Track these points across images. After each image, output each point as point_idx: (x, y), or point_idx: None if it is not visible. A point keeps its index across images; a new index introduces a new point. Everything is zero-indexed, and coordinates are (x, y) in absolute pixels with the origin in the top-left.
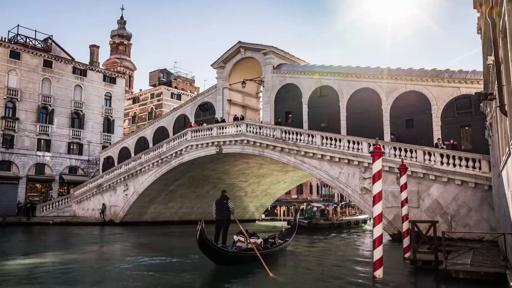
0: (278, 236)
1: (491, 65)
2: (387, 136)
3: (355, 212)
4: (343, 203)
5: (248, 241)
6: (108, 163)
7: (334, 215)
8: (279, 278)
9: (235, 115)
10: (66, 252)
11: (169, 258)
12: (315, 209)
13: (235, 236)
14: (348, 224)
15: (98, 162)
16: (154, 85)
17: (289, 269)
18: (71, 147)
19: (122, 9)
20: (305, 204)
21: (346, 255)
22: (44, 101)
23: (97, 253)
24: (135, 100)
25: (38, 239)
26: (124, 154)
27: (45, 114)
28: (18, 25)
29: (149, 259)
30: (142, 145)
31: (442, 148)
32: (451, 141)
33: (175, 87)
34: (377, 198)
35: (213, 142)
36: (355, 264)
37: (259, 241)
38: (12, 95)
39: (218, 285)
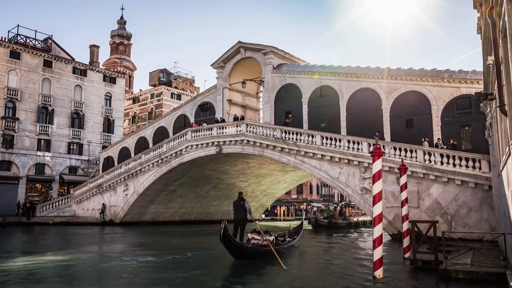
0: (287, 234)
1: (491, 65)
2: (387, 136)
3: (355, 212)
4: (343, 203)
5: (264, 238)
6: (108, 163)
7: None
8: (291, 270)
9: (235, 115)
10: (66, 251)
11: (176, 255)
12: (315, 209)
13: (249, 234)
14: (364, 223)
15: (98, 162)
16: (154, 85)
17: (300, 263)
18: (71, 147)
19: (122, 9)
20: (305, 204)
21: (354, 253)
22: (44, 101)
23: (98, 252)
24: (135, 100)
25: (38, 239)
26: (124, 154)
27: (45, 114)
28: (18, 25)
29: (156, 257)
30: (142, 145)
31: (442, 148)
32: (451, 141)
33: (175, 87)
34: (377, 198)
35: (213, 142)
36: (360, 263)
37: (271, 238)
38: (12, 95)
39: (238, 277)
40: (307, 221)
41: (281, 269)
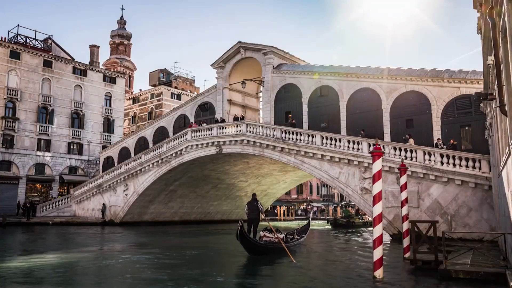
0: (296, 233)
1: (491, 65)
2: (387, 136)
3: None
4: (343, 203)
5: (276, 235)
6: (108, 163)
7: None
8: (301, 263)
9: (235, 115)
10: (66, 251)
11: (184, 252)
12: (315, 209)
13: (261, 232)
14: None
15: (98, 162)
16: (154, 85)
17: (308, 259)
18: (71, 147)
19: (122, 9)
20: (305, 204)
21: (362, 251)
22: (44, 101)
23: (99, 251)
24: (135, 100)
25: (38, 238)
26: (124, 154)
27: (45, 114)
28: (18, 25)
29: (162, 254)
30: (142, 145)
31: (442, 148)
32: (451, 141)
33: (175, 87)
34: (377, 198)
35: (213, 142)
36: (364, 261)
37: (281, 236)
38: (12, 95)
39: (253, 269)
40: (325, 220)
41: (291, 263)
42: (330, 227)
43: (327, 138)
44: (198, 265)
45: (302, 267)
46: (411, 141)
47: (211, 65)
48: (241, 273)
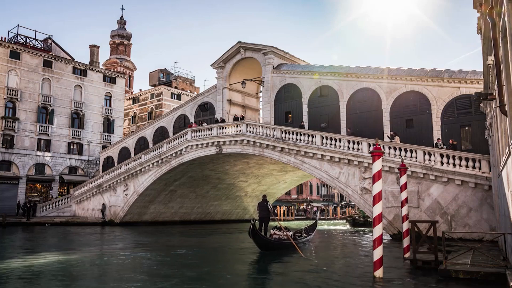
0: (303, 231)
1: (491, 65)
2: (387, 136)
3: (355, 212)
4: (343, 203)
5: (285, 233)
6: (108, 163)
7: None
8: (310, 258)
9: (235, 115)
10: (66, 251)
11: (192, 250)
12: (315, 209)
13: (271, 230)
14: None
15: (98, 162)
16: (154, 85)
17: (316, 255)
18: (71, 147)
19: (122, 9)
20: (305, 204)
21: (367, 250)
22: (44, 101)
23: (100, 251)
24: (135, 100)
25: (38, 239)
26: (124, 154)
27: (45, 114)
28: (18, 25)
29: (172, 253)
30: (142, 145)
31: (442, 148)
32: (451, 141)
33: (175, 87)
34: (377, 198)
35: (213, 142)
36: (366, 261)
37: (290, 233)
38: (12, 95)
39: (265, 264)
40: (344, 220)
41: (300, 258)
42: (348, 226)
43: (327, 138)
44: (206, 263)
45: (312, 263)
46: (397, 138)
47: (211, 65)
48: (254, 266)
